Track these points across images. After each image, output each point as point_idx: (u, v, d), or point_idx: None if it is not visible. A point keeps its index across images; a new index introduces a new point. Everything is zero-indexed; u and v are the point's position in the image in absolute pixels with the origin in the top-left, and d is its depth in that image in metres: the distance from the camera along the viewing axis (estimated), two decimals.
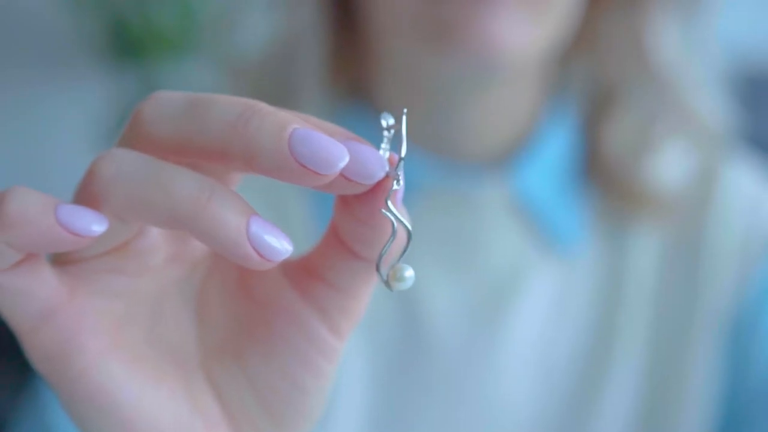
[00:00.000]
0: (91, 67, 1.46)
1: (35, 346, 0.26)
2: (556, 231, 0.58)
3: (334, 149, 0.23)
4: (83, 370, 0.26)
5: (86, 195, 0.24)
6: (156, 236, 0.27)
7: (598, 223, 0.59)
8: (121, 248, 0.26)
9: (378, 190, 0.24)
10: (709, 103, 0.60)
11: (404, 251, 0.25)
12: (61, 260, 0.26)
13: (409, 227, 0.25)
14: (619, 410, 0.57)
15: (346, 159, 0.23)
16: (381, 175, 0.24)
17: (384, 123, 0.25)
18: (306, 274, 0.28)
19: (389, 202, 0.24)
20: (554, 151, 0.59)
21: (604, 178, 0.59)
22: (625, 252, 0.58)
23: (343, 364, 0.56)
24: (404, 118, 0.25)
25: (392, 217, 0.24)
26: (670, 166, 0.59)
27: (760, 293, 0.57)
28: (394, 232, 0.25)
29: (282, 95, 0.58)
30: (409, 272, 0.25)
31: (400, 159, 0.24)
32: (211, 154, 0.24)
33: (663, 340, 0.57)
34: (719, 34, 0.64)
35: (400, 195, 0.25)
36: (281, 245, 0.23)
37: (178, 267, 0.28)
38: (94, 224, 0.23)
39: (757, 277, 0.57)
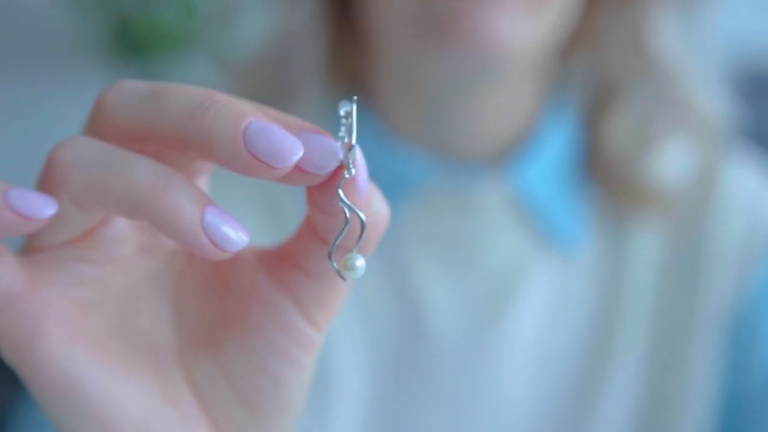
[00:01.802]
0: (93, 66, 1.46)
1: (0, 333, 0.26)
2: (557, 229, 0.58)
3: (289, 143, 0.23)
4: (47, 357, 0.26)
5: (45, 182, 0.25)
6: (123, 226, 0.27)
7: (598, 220, 0.59)
8: (86, 237, 0.27)
9: (332, 180, 0.25)
10: (710, 100, 0.59)
11: (358, 240, 0.25)
12: (27, 249, 0.27)
13: (363, 217, 0.25)
14: (619, 408, 0.57)
15: (300, 152, 0.23)
16: (334, 165, 0.24)
17: (342, 111, 0.26)
18: (281, 261, 0.28)
19: (340, 191, 0.24)
20: (554, 148, 0.58)
21: (604, 175, 0.59)
22: (625, 249, 0.58)
23: (342, 361, 0.55)
24: (354, 106, 0.25)
25: (344, 207, 0.25)
26: (670, 162, 0.59)
27: (761, 291, 0.57)
28: (346, 221, 0.25)
29: (280, 93, 0.58)
30: (360, 261, 0.25)
31: (351, 147, 0.24)
32: (170, 141, 0.24)
33: (663, 338, 0.57)
34: (720, 29, 0.63)
35: (361, 183, 0.25)
36: (237, 236, 0.24)
37: (151, 259, 0.29)
38: (44, 207, 0.24)
39: (758, 275, 0.57)
